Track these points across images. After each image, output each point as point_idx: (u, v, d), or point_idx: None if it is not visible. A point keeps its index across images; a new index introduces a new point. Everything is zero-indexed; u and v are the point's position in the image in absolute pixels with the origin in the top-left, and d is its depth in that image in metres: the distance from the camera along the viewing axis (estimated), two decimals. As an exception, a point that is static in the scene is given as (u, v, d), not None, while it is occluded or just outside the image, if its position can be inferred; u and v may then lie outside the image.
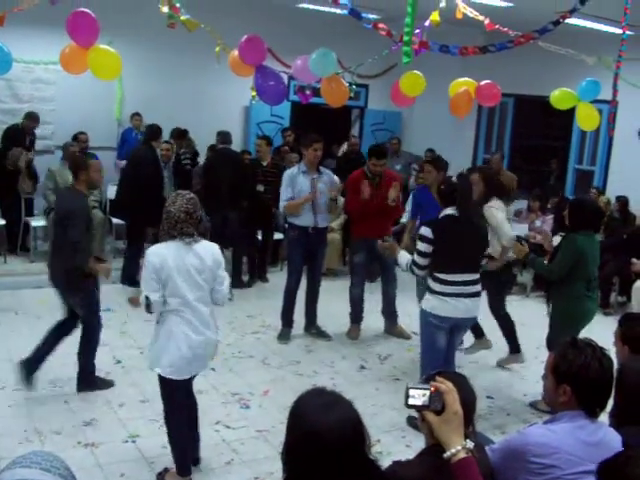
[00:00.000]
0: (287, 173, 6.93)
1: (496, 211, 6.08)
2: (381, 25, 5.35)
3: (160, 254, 4.05)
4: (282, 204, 6.81)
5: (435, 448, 2.14)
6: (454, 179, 5.44)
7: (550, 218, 9.34)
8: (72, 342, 6.42)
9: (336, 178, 7.09)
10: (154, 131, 8.42)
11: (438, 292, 5.00)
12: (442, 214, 5.11)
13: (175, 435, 4.25)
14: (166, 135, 9.62)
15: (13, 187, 8.84)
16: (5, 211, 8.89)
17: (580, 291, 5.38)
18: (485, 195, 6.12)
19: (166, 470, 4.34)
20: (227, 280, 4.29)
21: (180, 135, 9.95)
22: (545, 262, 5.61)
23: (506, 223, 6.16)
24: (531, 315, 7.99)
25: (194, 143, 10.20)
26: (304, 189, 6.70)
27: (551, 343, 5.59)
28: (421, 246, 5.00)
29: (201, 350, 4.14)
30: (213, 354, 4.38)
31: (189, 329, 4.08)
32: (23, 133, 9.04)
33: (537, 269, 5.91)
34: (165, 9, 5.30)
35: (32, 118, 9.07)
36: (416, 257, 5.05)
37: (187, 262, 4.06)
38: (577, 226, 5.40)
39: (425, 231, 5.00)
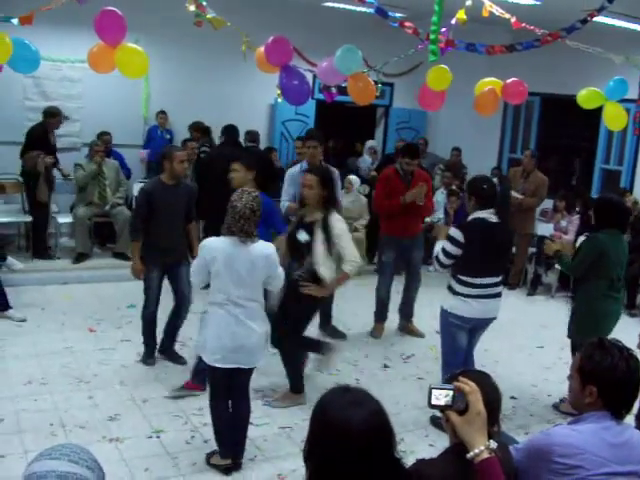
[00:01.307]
0: (288, 172, 6.78)
1: (339, 222, 5.21)
2: (407, 24, 5.32)
3: (212, 249, 4.16)
4: (283, 204, 6.55)
5: (459, 447, 2.13)
6: (495, 179, 5.27)
7: (576, 218, 9.26)
8: (96, 339, 6.51)
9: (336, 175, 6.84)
10: (234, 129, 8.48)
11: (461, 294, 4.98)
12: (473, 217, 4.98)
13: (213, 418, 4.41)
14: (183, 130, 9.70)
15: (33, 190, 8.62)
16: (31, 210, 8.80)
17: (600, 290, 5.33)
18: (325, 200, 5.21)
19: (214, 452, 4.47)
20: (282, 274, 4.45)
21: (201, 130, 9.99)
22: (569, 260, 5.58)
23: (351, 241, 5.30)
24: (555, 315, 7.95)
25: (214, 141, 10.23)
26: None
27: (572, 345, 5.61)
28: (449, 247, 4.93)
29: (246, 341, 4.23)
30: (263, 346, 4.44)
31: (233, 322, 4.20)
32: (46, 132, 8.75)
33: (562, 266, 5.84)
34: (192, 7, 5.33)
35: (52, 114, 8.70)
36: (441, 255, 5.00)
37: (238, 263, 4.15)
38: (602, 225, 5.34)
39: (456, 234, 4.91)
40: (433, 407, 2.13)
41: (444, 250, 4.97)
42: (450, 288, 5.06)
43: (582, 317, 5.43)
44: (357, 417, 1.85)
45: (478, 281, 4.95)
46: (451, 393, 2.10)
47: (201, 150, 9.69)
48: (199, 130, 10.06)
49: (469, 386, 2.11)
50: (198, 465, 4.46)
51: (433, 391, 2.11)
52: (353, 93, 6.41)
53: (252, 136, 8.80)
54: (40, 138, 8.61)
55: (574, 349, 5.57)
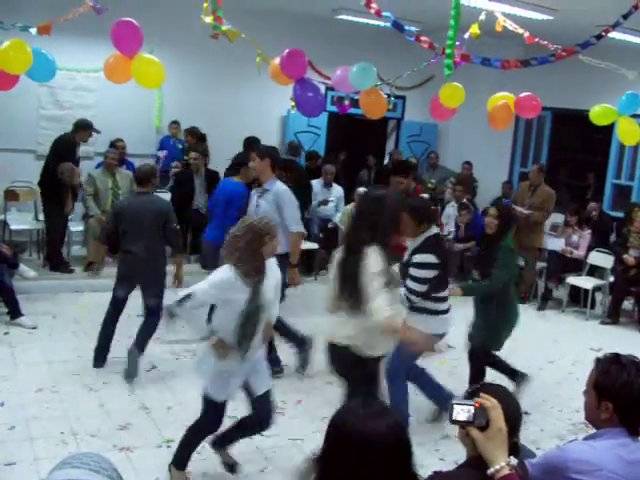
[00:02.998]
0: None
1: None
2: (424, 38, 5.35)
3: None
4: None
5: (476, 461, 2.13)
6: (425, 196, 5.39)
7: (587, 233, 9.23)
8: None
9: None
10: (254, 141, 8.50)
11: (442, 311, 5.03)
12: (430, 234, 4.94)
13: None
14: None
15: (60, 201, 8.40)
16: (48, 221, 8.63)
17: (511, 295, 5.59)
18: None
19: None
20: None
21: (196, 136, 10.01)
22: (477, 281, 5.65)
23: None
24: (565, 330, 7.93)
25: (208, 148, 10.24)
26: (249, 206, 6.13)
27: (476, 352, 5.69)
28: (424, 273, 4.83)
29: None
30: None
31: None
32: (74, 145, 8.56)
33: (478, 291, 5.64)
34: (208, 19, 5.36)
35: (84, 127, 8.53)
36: (414, 285, 4.85)
37: None
38: (505, 231, 5.52)
39: (428, 258, 4.82)
40: (454, 423, 2.13)
41: (417, 279, 4.84)
42: (427, 310, 4.95)
43: (502, 326, 5.53)
44: (379, 429, 1.85)
45: (446, 292, 5.08)
46: (472, 409, 2.09)
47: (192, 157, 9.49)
48: (194, 135, 10.02)
49: (490, 402, 2.11)
50: (208, 475, 4.47)
51: (455, 406, 2.10)
52: (365, 107, 6.43)
53: (294, 150, 8.76)
54: (68, 149, 8.46)
55: (476, 357, 5.70)
